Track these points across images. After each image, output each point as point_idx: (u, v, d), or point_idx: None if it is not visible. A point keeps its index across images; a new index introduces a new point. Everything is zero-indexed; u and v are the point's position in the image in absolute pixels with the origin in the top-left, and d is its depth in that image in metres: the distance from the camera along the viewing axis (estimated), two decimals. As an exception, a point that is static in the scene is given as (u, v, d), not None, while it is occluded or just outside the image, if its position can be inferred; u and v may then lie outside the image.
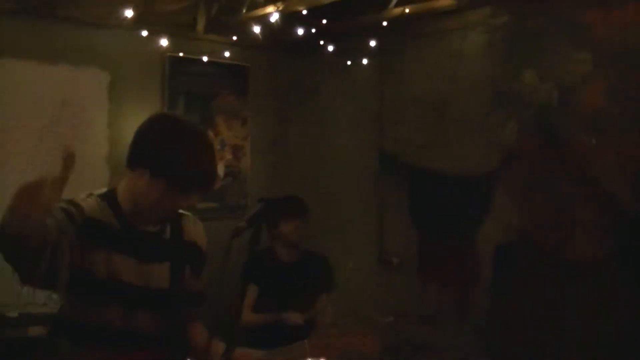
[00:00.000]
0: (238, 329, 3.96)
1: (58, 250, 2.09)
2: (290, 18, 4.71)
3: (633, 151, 3.93)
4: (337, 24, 5.06)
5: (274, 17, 4.45)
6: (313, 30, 4.95)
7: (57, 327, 2.44)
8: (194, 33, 5.23)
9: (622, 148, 3.98)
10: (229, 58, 5.40)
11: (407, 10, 4.58)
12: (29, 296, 4.35)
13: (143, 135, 2.36)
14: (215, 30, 5.27)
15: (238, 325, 3.97)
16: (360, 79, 5.50)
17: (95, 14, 4.77)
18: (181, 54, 5.24)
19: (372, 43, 5.06)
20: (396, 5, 4.65)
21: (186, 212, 2.58)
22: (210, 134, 5.40)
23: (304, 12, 4.60)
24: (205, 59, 5.32)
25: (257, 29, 4.60)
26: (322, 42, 5.23)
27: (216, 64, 5.42)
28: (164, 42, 4.97)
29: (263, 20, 4.63)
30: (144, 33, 4.88)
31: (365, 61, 5.37)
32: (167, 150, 2.29)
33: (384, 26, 4.85)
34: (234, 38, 5.28)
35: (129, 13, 4.29)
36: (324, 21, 4.95)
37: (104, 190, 2.43)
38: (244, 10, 4.81)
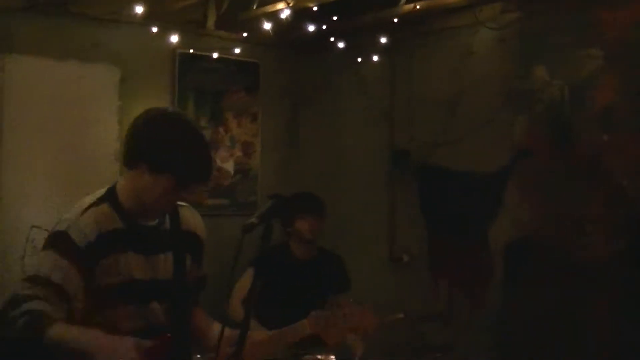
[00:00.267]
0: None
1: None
2: (300, 15, 4.70)
3: (644, 148, 3.91)
4: (347, 20, 5.04)
5: (285, 14, 4.44)
6: (324, 27, 4.94)
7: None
8: (204, 29, 5.23)
9: (633, 145, 3.95)
10: (239, 55, 5.39)
11: (417, 7, 4.56)
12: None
13: (138, 132, 2.41)
14: (225, 26, 5.26)
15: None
16: (371, 77, 5.48)
17: (106, 10, 4.78)
18: (191, 51, 5.23)
19: (383, 40, 5.05)
20: (407, 2, 4.63)
21: (183, 203, 2.64)
22: (221, 130, 5.40)
23: (315, 8, 4.59)
24: (215, 55, 5.31)
25: (267, 26, 4.59)
26: (332, 39, 5.22)
27: (226, 61, 5.41)
28: (174, 38, 4.96)
29: (273, 16, 4.62)
30: (154, 29, 4.88)
31: (375, 58, 5.35)
32: (164, 145, 2.34)
33: (394, 23, 4.83)
34: (245, 35, 5.27)
35: (139, 9, 4.29)
36: (335, 18, 4.93)
37: (103, 190, 2.50)
38: (255, 7, 4.81)
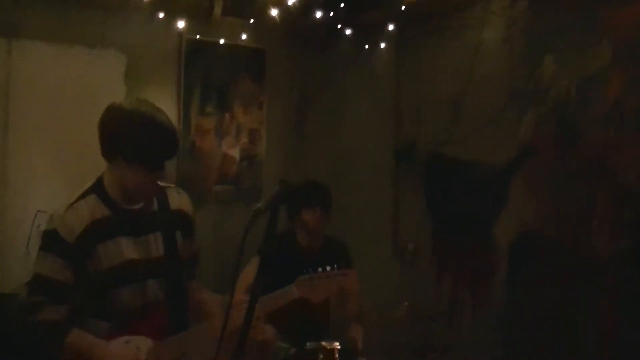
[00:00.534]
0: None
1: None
2: (308, 1, 4.69)
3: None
4: (355, 8, 5.02)
5: (292, 0, 4.42)
6: (331, 14, 4.92)
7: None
8: (211, 16, 5.21)
9: None
10: (246, 41, 5.38)
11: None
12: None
13: (106, 129, 2.61)
14: (232, 13, 5.25)
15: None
16: (378, 71, 5.47)
17: (113, -4, 4.77)
18: (198, 37, 5.22)
19: (390, 29, 5.03)
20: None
21: (170, 185, 2.88)
22: (227, 117, 5.40)
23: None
24: (222, 42, 5.30)
25: (274, 12, 4.58)
26: (339, 28, 5.20)
27: (233, 47, 5.39)
28: (181, 24, 4.96)
29: (281, 3, 4.60)
30: (161, 16, 4.87)
31: (382, 50, 5.33)
32: (129, 137, 2.54)
33: (402, 12, 4.81)
34: (251, 21, 5.26)
35: (146, -4, 4.29)
36: (342, 5, 4.91)
37: (90, 184, 2.71)
38: (262, -7, 4.80)
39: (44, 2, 4.56)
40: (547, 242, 4.32)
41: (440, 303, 4.89)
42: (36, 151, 4.54)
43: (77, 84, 4.69)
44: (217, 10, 5.15)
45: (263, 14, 4.82)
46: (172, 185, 2.90)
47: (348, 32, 5.26)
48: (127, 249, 2.65)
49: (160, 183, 2.74)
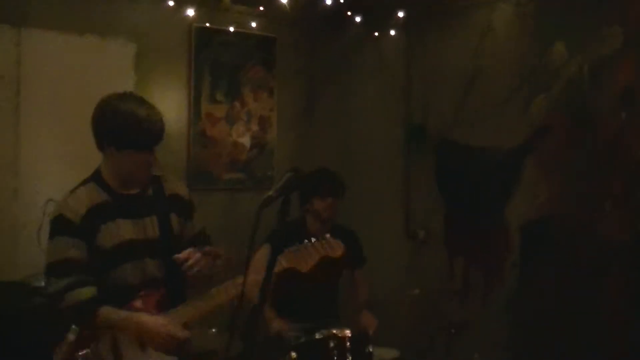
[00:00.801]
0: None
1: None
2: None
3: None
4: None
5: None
6: (341, 1, 4.89)
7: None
8: (220, 3, 5.20)
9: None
10: (256, 29, 5.37)
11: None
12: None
13: (95, 122, 2.85)
14: (242, 0, 5.23)
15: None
16: (389, 52, 5.45)
17: (122, -16, 4.76)
18: (207, 25, 5.21)
19: (400, 14, 5.00)
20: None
21: (164, 173, 3.09)
22: (237, 104, 5.39)
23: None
24: (231, 29, 5.29)
25: (284, 0, 4.56)
26: (349, 13, 5.18)
27: (243, 35, 5.38)
28: (190, 12, 4.95)
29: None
30: (171, 3, 4.86)
31: (392, 32, 5.31)
32: (117, 127, 2.78)
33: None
34: (261, 9, 5.24)
35: (155, -17, 4.28)
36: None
37: (91, 174, 2.95)
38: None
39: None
40: (559, 224, 4.30)
41: (453, 285, 4.89)
42: (47, 140, 4.55)
43: (87, 72, 4.69)
44: (227, -3, 5.15)
45: (272, 1, 4.79)
46: (165, 174, 3.10)
47: (358, 18, 5.23)
48: (125, 230, 2.87)
49: (156, 173, 2.98)
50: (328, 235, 3.01)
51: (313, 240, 2.95)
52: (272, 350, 3.56)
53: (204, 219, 3.18)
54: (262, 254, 3.99)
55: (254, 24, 5.32)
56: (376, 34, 5.43)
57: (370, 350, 3.58)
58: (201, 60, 5.21)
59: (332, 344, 3.47)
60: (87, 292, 2.76)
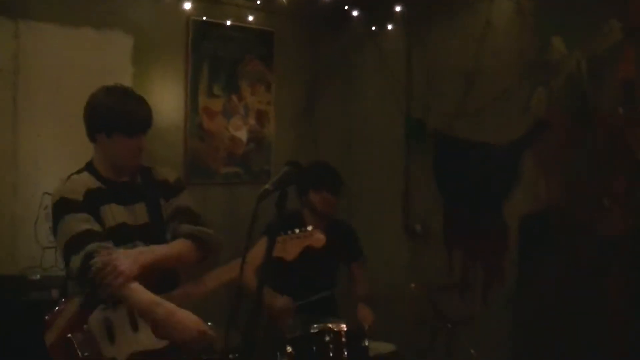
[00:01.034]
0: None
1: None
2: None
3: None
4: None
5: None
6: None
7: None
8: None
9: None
10: (254, 23, 5.36)
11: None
12: (51, 260, 4.42)
13: (88, 113, 2.98)
14: (240, -6, 5.23)
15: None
16: (388, 48, 5.45)
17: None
18: (205, 18, 5.20)
19: (398, 8, 5.00)
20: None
21: (154, 165, 3.20)
22: (234, 98, 5.39)
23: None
24: (229, 23, 5.28)
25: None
26: (347, 8, 5.17)
27: (241, 29, 5.38)
28: (188, 6, 4.94)
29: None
30: (169, -4, 4.86)
31: (392, 27, 5.31)
32: (105, 113, 2.92)
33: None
34: (259, 2, 5.24)
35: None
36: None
37: (84, 165, 3.07)
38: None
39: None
40: (558, 218, 4.31)
41: (452, 281, 4.89)
42: (44, 134, 4.54)
43: (84, 65, 4.68)
44: (225, -10, 5.14)
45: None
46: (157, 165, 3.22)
47: (356, 13, 5.23)
48: (119, 214, 2.97)
49: (145, 164, 3.11)
50: (311, 227, 3.14)
51: (297, 230, 3.08)
52: (268, 344, 3.57)
53: (202, 212, 3.18)
54: (259, 247, 4.01)
55: (251, 18, 5.32)
56: (374, 28, 5.42)
57: (366, 344, 3.58)
58: (199, 53, 5.20)
59: (327, 338, 3.48)
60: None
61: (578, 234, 4.18)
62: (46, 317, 2.84)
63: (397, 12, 5.01)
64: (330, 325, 3.52)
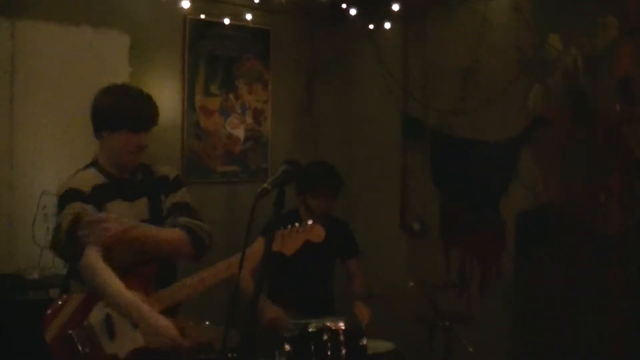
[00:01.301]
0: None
1: None
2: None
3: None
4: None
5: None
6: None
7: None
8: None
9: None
10: (251, 21, 5.35)
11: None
12: (49, 260, 4.41)
13: (94, 109, 3.06)
14: (237, -8, 5.22)
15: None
16: (385, 45, 5.45)
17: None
18: (202, 17, 5.20)
19: (396, 7, 5.00)
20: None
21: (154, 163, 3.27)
22: (232, 97, 5.38)
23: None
24: (226, 21, 5.28)
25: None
26: (344, 6, 5.17)
27: (238, 27, 5.37)
28: (185, 4, 4.93)
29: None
30: (166, -5, 4.85)
31: (388, 25, 5.30)
32: (111, 108, 3.01)
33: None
34: (256, 1, 5.23)
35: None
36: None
37: (83, 164, 3.15)
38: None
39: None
40: (556, 215, 4.31)
41: (450, 277, 4.90)
42: (41, 132, 4.53)
43: (82, 64, 4.67)
44: (222, -11, 5.13)
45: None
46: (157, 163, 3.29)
47: (353, 10, 5.22)
48: (124, 210, 3.05)
49: (146, 162, 3.18)
50: (310, 221, 3.13)
51: (297, 225, 3.07)
52: (266, 343, 3.57)
53: (200, 211, 3.20)
54: (256, 246, 4.00)
55: (249, 16, 5.31)
56: (372, 26, 5.42)
57: (365, 342, 3.58)
58: (196, 52, 5.20)
59: (325, 337, 3.48)
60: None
61: (576, 231, 4.18)
62: (47, 312, 2.86)
63: (394, 10, 5.00)
64: (328, 324, 3.52)
